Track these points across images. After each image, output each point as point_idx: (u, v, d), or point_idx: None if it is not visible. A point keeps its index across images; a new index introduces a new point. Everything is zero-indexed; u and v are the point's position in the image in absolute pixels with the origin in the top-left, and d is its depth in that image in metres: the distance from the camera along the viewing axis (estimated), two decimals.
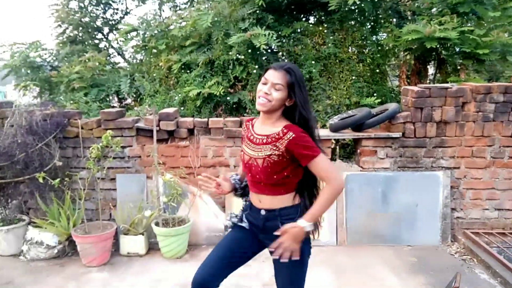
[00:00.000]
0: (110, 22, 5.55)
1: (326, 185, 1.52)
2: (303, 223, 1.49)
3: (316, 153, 1.51)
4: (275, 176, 1.58)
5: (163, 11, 5.28)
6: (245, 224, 1.73)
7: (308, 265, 1.65)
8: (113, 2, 5.36)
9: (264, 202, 1.65)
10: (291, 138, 1.52)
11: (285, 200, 1.63)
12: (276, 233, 1.51)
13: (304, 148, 1.51)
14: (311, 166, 1.53)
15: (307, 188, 1.67)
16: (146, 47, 4.69)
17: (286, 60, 4.28)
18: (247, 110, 3.93)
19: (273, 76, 1.56)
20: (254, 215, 1.69)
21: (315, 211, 1.53)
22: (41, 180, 2.99)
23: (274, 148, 1.55)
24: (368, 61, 4.29)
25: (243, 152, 1.69)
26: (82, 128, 3.40)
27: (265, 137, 1.60)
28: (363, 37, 4.36)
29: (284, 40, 4.19)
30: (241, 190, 1.79)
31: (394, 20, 4.49)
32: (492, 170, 3.35)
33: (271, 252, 1.58)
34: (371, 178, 3.31)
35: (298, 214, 1.61)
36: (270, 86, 1.55)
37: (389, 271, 2.84)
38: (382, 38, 4.49)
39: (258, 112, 1.66)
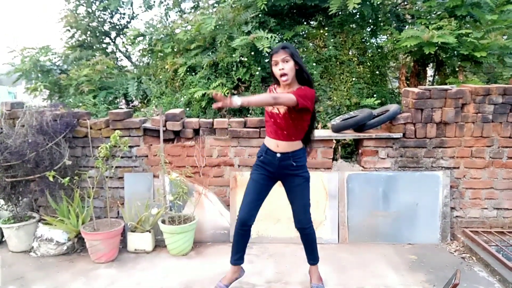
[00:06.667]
0: (117, 27, 5.58)
1: (290, 95, 2.09)
2: (237, 99, 1.96)
3: (297, 98, 2.09)
4: (291, 121, 2.20)
5: (169, 16, 5.30)
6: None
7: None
8: (120, 7, 5.42)
9: (281, 146, 2.29)
10: (301, 87, 2.19)
11: (296, 145, 2.30)
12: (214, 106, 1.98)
13: (299, 94, 2.11)
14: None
15: (307, 138, 2.38)
16: (153, 51, 4.73)
17: None
18: (250, 111, 3.97)
19: (279, 55, 2.16)
20: (270, 158, 2.32)
21: (251, 98, 2.03)
22: (51, 179, 3.03)
23: None
24: (368, 63, 4.30)
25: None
26: (91, 128, 3.43)
27: (285, 92, 2.18)
28: (363, 40, 4.38)
29: None
30: None
31: (394, 23, 4.51)
32: (491, 170, 3.36)
33: (284, 182, 2.37)
34: (372, 177, 3.33)
35: (304, 154, 2.35)
36: (281, 62, 2.16)
37: (389, 268, 2.85)
38: (382, 41, 4.51)
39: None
